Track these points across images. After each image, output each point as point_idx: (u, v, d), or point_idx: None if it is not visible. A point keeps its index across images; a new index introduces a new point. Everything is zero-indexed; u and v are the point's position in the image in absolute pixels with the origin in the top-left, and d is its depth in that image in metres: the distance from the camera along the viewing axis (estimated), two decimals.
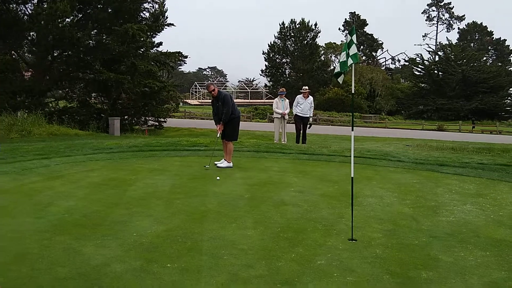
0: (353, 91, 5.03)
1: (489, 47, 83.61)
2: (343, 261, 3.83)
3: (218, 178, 6.25)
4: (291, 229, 4.70)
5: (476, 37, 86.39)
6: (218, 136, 9.02)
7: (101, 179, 7.26)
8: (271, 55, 63.12)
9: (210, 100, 9.56)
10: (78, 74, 23.88)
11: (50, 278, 3.36)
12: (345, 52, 4.63)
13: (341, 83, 5.10)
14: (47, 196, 5.99)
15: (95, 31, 23.03)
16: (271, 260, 3.81)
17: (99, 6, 22.41)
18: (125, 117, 24.34)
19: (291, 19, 62.00)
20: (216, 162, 8.86)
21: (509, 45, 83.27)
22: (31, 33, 21.67)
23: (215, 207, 5.58)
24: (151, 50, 24.61)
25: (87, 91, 24.65)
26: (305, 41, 61.48)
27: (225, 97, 8.76)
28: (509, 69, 67.73)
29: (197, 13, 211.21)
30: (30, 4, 21.45)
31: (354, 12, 79.09)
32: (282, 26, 62.32)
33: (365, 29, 77.27)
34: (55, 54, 22.64)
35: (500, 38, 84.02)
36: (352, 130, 5.11)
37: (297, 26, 61.48)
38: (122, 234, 4.41)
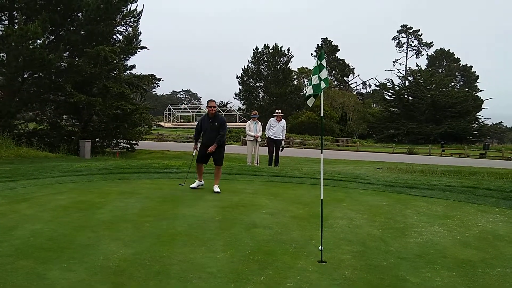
0: (321, 114, 5.10)
1: (457, 73, 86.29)
2: (312, 283, 3.83)
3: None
4: (261, 252, 4.68)
5: (444, 63, 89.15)
6: (193, 155, 8.94)
7: (69, 202, 7.11)
8: (245, 79, 63.79)
9: (200, 118, 9.13)
10: (49, 96, 23.51)
11: None
12: (316, 75, 4.71)
13: (310, 106, 5.17)
14: (11, 219, 5.82)
15: (67, 53, 22.81)
16: (240, 283, 3.78)
17: (71, 28, 22.26)
18: (97, 139, 24.00)
19: (265, 44, 63.15)
20: (191, 185, 8.79)
21: (475, 72, 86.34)
22: (1, 54, 21.31)
23: (185, 229, 5.52)
24: (124, 73, 24.48)
25: (58, 113, 24.26)
26: (278, 66, 62.48)
27: (224, 120, 8.73)
28: (476, 94, 69.92)
29: (172, 35, 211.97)
30: (0, 25, 21.19)
31: (326, 38, 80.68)
32: (255, 51, 63.20)
33: (336, 55, 78.78)
34: (26, 76, 22.25)
35: (466, 64, 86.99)
36: (322, 152, 5.13)
37: (270, 51, 62.46)
38: (88, 258, 4.31)
